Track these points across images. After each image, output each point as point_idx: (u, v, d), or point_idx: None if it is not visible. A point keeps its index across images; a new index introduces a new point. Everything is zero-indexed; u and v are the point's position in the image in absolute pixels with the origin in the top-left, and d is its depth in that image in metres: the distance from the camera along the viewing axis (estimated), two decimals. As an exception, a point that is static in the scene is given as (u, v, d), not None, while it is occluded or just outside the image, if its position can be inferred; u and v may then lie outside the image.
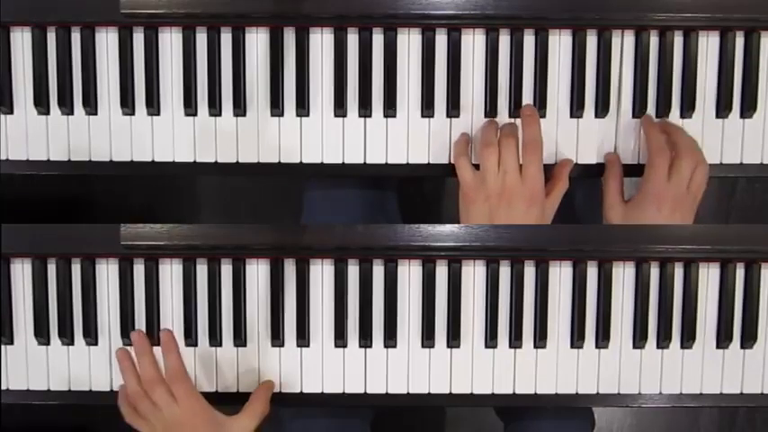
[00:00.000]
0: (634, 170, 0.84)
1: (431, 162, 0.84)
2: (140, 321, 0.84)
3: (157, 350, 0.81)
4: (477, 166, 0.80)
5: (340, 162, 0.84)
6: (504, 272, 0.83)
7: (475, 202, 0.79)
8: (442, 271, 0.83)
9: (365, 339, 0.83)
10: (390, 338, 0.83)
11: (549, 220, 0.80)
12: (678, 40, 0.83)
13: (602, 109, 0.83)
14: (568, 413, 0.91)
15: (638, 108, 0.83)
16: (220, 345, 0.84)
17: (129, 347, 0.81)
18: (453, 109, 0.83)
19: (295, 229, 0.82)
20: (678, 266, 0.83)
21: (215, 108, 0.83)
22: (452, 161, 0.82)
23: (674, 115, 0.84)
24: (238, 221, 1.44)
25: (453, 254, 0.82)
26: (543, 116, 0.83)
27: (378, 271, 0.83)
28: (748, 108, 0.84)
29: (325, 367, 0.84)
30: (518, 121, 0.81)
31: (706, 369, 0.84)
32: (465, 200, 0.80)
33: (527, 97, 0.83)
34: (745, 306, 0.84)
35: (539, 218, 0.78)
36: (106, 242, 0.82)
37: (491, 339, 0.83)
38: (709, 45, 0.84)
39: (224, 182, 1.46)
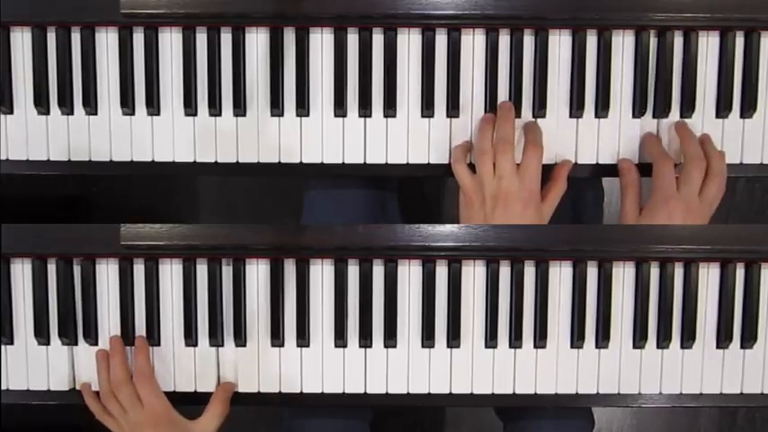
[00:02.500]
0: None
1: (431, 162, 0.84)
2: (140, 321, 0.84)
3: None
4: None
5: (340, 162, 0.84)
6: (504, 272, 0.83)
7: (472, 205, 0.79)
8: (441, 271, 0.83)
9: (365, 339, 0.83)
10: (390, 338, 0.83)
11: (546, 221, 0.80)
12: (678, 40, 0.83)
13: (602, 109, 0.83)
14: (568, 413, 0.91)
15: (638, 108, 0.83)
16: (220, 345, 0.84)
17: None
18: (453, 109, 0.83)
19: (295, 229, 0.82)
20: (678, 266, 0.83)
21: (215, 108, 0.83)
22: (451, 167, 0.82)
23: (674, 115, 0.84)
24: (238, 221, 1.44)
25: (453, 254, 0.82)
26: (543, 116, 0.83)
27: (378, 271, 0.83)
28: (748, 108, 0.84)
29: (325, 367, 0.84)
30: (517, 121, 0.82)
31: (706, 369, 0.84)
32: (464, 203, 0.81)
33: (527, 97, 0.83)
34: (745, 306, 0.84)
35: (534, 220, 0.78)
36: (106, 242, 0.82)
37: (491, 339, 0.83)
38: (709, 45, 0.84)
39: (224, 182, 1.46)
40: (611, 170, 0.84)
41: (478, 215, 0.79)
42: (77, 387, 0.84)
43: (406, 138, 0.84)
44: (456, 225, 0.80)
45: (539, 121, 0.83)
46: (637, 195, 0.82)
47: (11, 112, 0.84)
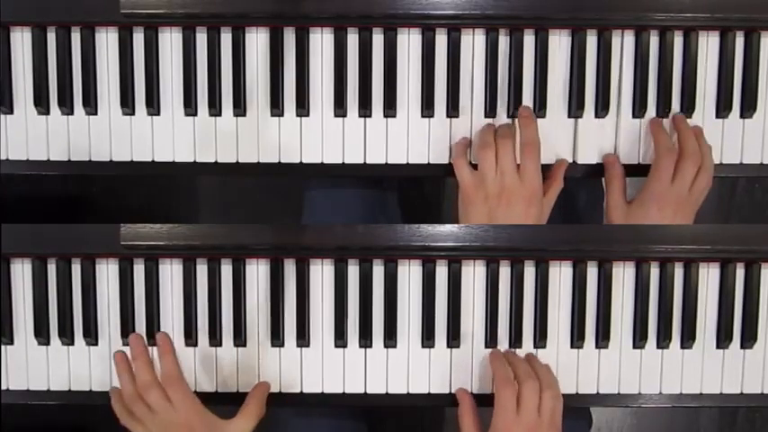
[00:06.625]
0: (634, 170, 0.84)
1: (431, 162, 0.84)
2: (140, 321, 0.84)
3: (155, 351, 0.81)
4: (476, 167, 0.80)
5: (340, 162, 0.84)
6: (504, 272, 0.83)
7: (474, 202, 0.79)
8: (441, 271, 0.83)
9: (365, 339, 0.83)
10: (390, 338, 0.83)
11: (545, 219, 0.81)
12: (678, 40, 0.83)
13: (601, 109, 0.83)
14: (566, 413, 0.90)
15: (638, 108, 0.83)
16: (220, 345, 0.84)
17: (126, 349, 0.80)
18: (453, 109, 0.83)
19: (295, 229, 0.82)
20: (678, 266, 0.83)
21: (215, 108, 0.83)
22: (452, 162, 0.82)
23: (674, 115, 0.84)
24: (238, 221, 1.44)
25: (453, 254, 0.82)
26: (543, 116, 0.83)
27: (378, 271, 0.83)
28: (748, 108, 0.84)
29: (325, 367, 0.84)
30: (517, 121, 0.82)
31: (706, 369, 0.84)
32: (464, 201, 0.80)
33: (527, 97, 0.83)
34: (745, 306, 0.84)
35: (537, 217, 0.79)
36: (106, 242, 0.82)
37: (491, 339, 0.83)
38: (709, 45, 0.84)
39: (224, 182, 1.46)
40: (611, 170, 0.84)
41: (480, 212, 0.79)
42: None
43: (406, 138, 0.84)
44: (456, 225, 0.80)
45: (539, 120, 0.83)
46: (622, 188, 0.82)
47: (11, 112, 0.84)
